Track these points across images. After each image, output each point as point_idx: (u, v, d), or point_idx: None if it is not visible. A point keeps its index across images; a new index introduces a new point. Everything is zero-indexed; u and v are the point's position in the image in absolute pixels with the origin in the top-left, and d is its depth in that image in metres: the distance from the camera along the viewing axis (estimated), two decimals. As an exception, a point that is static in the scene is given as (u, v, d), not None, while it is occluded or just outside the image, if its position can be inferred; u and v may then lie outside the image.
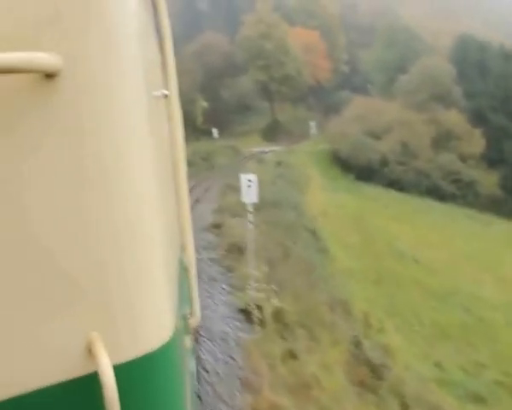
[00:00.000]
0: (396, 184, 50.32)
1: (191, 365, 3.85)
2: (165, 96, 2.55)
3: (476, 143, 51.81)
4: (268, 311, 9.92)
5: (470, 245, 35.13)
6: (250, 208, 9.87)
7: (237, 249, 13.84)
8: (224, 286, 11.25)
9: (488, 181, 50.57)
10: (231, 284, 11.65)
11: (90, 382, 1.27)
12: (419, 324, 18.54)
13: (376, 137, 53.24)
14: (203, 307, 10.07)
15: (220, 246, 14.39)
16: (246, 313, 9.92)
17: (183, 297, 2.66)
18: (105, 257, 1.32)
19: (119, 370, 1.27)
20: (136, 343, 1.40)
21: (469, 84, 55.40)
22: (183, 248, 2.90)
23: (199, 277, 11.94)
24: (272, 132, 69.12)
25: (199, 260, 12.97)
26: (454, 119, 53.01)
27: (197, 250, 14.21)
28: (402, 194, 49.00)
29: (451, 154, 51.56)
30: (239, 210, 20.06)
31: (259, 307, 9.83)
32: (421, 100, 55.65)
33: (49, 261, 1.24)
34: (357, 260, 25.82)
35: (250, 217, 10.03)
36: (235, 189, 26.04)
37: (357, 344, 11.24)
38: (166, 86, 2.51)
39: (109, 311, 1.35)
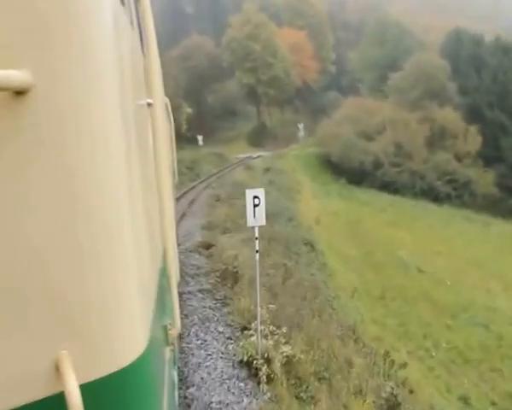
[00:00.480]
0: (390, 187, 48.64)
1: (172, 375, 3.70)
2: (149, 104, 2.63)
3: (472, 140, 50.20)
4: (278, 363, 7.97)
5: (472, 250, 33.53)
6: (257, 233, 7.92)
7: (232, 276, 11.88)
8: (220, 329, 9.27)
9: (484, 180, 48.99)
10: (228, 323, 9.67)
11: (59, 402, 1.22)
12: (435, 347, 16.73)
13: (368, 138, 51.55)
14: (195, 366, 8.18)
15: (212, 272, 12.40)
16: (249, 366, 7.95)
17: (164, 308, 2.76)
18: (73, 275, 1.29)
19: (88, 388, 1.27)
20: (106, 361, 1.37)
21: (464, 80, 53.81)
22: (164, 258, 2.85)
23: (189, 316, 10.13)
24: (259, 137, 67.33)
25: (187, 293, 11.05)
26: (449, 116, 51.38)
27: (184, 279, 12.25)
28: (396, 197, 47.32)
29: (447, 153, 49.99)
30: (231, 226, 18.15)
31: (268, 360, 7.88)
32: (415, 98, 53.95)
33: (16, 282, 1.21)
34: (359, 275, 24.04)
35: (256, 244, 8.08)
36: (225, 200, 24.27)
37: (378, 391, 9.40)
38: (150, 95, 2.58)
39: (78, 329, 1.32)
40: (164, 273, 2.83)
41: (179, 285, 8.98)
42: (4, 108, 1.16)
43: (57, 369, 1.26)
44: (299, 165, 50.56)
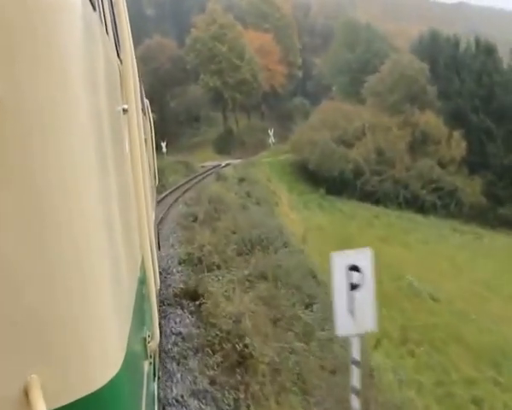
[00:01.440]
0: (371, 197, 44.90)
1: (152, 388, 3.50)
2: (125, 110, 2.60)
3: (456, 146, 46.87)
4: None
5: (477, 268, 29.97)
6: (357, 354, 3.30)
7: (241, 359, 7.36)
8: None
9: (471, 188, 45.76)
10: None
11: None
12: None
13: (347, 144, 47.67)
14: None
15: (207, 347, 7.83)
16: None
17: (143, 318, 2.65)
18: (43, 294, 1.24)
19: None
20: (79, 383, 1.32)
21: (444, 83, 50.53)
22: (142, 267, 2.82)
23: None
24: (226, 144, 62.92)
25: (172, 404, 6.48)
26: (431, 121, 48.01)
27: (164, 363, 7.49)
28: (380, 208, 43.58)
29: (430, 159, 46.54)
30: (218, 260, 13.68)
31: None
32: (394, 101, 50.40)
33: None
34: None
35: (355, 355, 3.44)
36: (204, 222, 19.59)
37: None
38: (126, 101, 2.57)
39: (48, 352, 1.26)
40: (142, 282, 2.76)
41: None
42: None
43: (26, 394, 1.19)
44: (273, 174, 46.26)
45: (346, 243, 30.51)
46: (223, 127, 66.99)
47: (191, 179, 38.50)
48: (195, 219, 19.67)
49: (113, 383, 1.40)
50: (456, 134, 47.23)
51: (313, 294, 12.56)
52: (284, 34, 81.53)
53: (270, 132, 60.01)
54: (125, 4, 2.46)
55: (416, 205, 44.52)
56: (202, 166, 48.41)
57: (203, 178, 39.80)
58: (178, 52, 66.05)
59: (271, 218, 26.22)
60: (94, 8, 1.90)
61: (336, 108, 53.36)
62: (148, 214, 2.70)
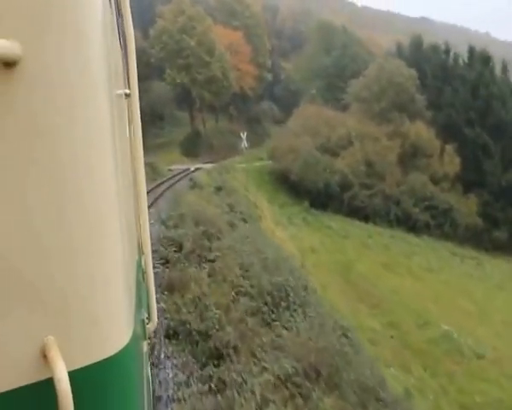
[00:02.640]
0: (360, 212, 40.32)
1: (147, 370, 3.61)
2: (127, 95, 2.58)
3: (450, 161, 42.97)
4: None
5: (497, 305, 25.67)
6: None
7: None
8: None
9: (466, 208, 41.80)
10: None
11: (45, 388, 1.20)
12: None
13: (332, 153, 43.00)
14: None
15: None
16: None
17: (141, 301, 2.64)
18: (62, 261, 1.27)
19: (74, 376, 1.23)
20: (93, 349, 1.34)
21: (434, 92, 46.69)
22: (140, 250, 2.90)
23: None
24: (193, 146, 57.25)
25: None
26: (422, 132, 43.91)
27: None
28: (369, 225, 39.08)
29: (422, 174, 42.43)
30: (235, 334, 8.51)
31: None
32: (381, 109, 46.03)
33: (4, 263, 1.18)
34: (405, 371, 15.04)
35: None
36: (192, 252, 14.21)
37: None
38: (128, 85, 2.52)
39: (66, 315, 1.29)
40: (139, 265, 2.80)
41: None
42: None
43: (44, 355, 1.21)
44: (250, 182, 41.02)
45: (347, 271, 25.83)
46: (190, 128, 61.20)
47: (160, 184, 32.85)
48: (179, 249, 14.11)
49: (124, 352, 1.42)
50: (449, 148, 43.36)
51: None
52: (254, 33, 76.64)
53: (243, 136, 54.85)
54: None
55: (408, 224, 40.29)
56: (170, 170, 42.76)
57: (174, 183, 34.19)
58: (142, 44, 59.71)
59: (267, 241, 21.23)
60: None
61: (317, 113, 48.55)
62: (145, 199, 2.54)
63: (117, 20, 2.55)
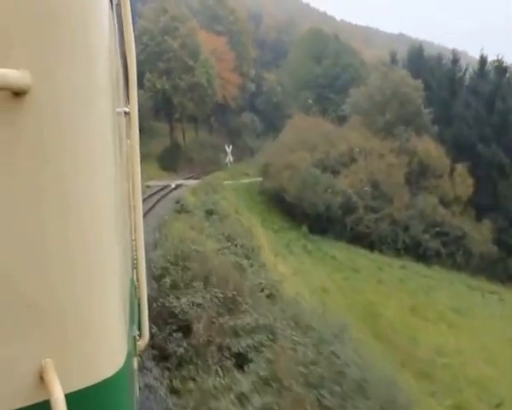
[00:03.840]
0: (364, 239, 35.58)
1: (136, 387, 3.55)
2: (126, 113, 2.67)
3: (461, 182, 38.66)
4: None
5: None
6: None
7: None
8: None
9: (481, 235, 37.39)
10: None
11: None
12: None
13: (332, 171, 38.25)
14: None
15: None
16: None
17: (132, 318, 2.63)
18: (62, 280, 1.27)
19: (71, 398, 1.25)
20: (91, 371, 1.35)
21: (439, 105, 42.49)
22: (133, 267, 2.90)
23: None
24: (172, 160, 51.99)
25: None
26: (430, 149, 39.52)
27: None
28: (375, 254, 34.36)
29: (431, 196, 38.02)
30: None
31: None
32: (385, 123, 41.55)
33: (5, 284, 1.19)
34: None
35: None
36: (185, 312, 9.17)
37: None
38: (127, 103, 2.58)
39: (64, 337, 1.29)
40: (132, 282, 2.75)
41: None
42: (2, 108, 1.13)
43: (41, 377, 1.22)
44: (240, 202, 35.97)
45: (372, 320, 21.02)
46: (168, 140, 55.87)
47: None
48: (185, 333, 8.92)
49: (119, 374, 1.42)
50: (461, 167, 39.10)
51: None
52: (238, 40, 72.08)
53: (228, 149, 49.95)
54: (129, 4, 2.32)
55: (417, 252, 35.70)
56: (148, 187, 37.41)
57: (154, 204, 28.93)
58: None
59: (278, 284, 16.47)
60: (111, 6, 1.90)
61: (314, 125, 43.79)
62: (141, 217, 2.47)
63: (118, 26, 2.40)
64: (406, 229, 36.21)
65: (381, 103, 42.18)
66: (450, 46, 53.90)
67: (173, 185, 39.26)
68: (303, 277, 25.75)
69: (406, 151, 39.69)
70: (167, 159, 51.42)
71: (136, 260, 2.70)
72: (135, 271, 2.89)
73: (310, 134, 41.66)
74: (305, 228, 34.59)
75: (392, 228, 36.04)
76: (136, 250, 2.56)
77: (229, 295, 9.92)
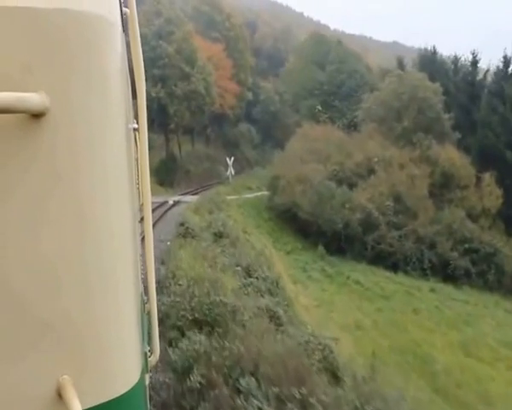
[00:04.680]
0: (386, 259, 31.90)
1: (148, 403, 3.35)
2: (135, 129, 2.69)
3: (489, 194, 35.20)
4: None
5: None
6: None
7: None
8: None
9: (510, 251, 33.83)
10: None
11: None
12: None
13: (348, 184, 34.60)
14: None
15: None
16: None
17: (143, 334, 2.58)
18: (77, 299, 1.29)
19: None
20: (107, 387, 1.36)
21: (460, 111, 39.16)
22: (143, 283, 2.87)
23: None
24: (168, 173, 48.45)
25: None
26: (454, 158, 36.04)
27: None
28: (399, 276, 30.62)
29: (458, 209, 34.46)
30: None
31: None
32: (403, 130, 38.02)
33: (22, 305, 1.20)
34: None
35: None
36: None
37: None
38: (137, 119, 2.54)
39: (81, 354, 1.30)
40: (142, 298, 2.76)
41: None
42: (21, 130, 1.16)
43: (59, 394, 1.23)
44: (246, 220, 32.23)
45: (426, 368, 17.26)
46: (164, 152, 52.13)
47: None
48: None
49: (134, 390, 1.44)
50: (488, 177, 35.64)
51: None
52: (235, 47, 68.68)
53: (229, 162, 46.25)
54: (137, 21, 2.25)
55: (445, 272, 32.04)
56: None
57: (154, 222, 25.12)
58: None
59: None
60: (123, 28, 1.91)
61: (323, 133, 40.31)
62: (151, 234, 2.44)
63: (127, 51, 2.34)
64: (432, 246, 32.56)
65: (398, 109, 38.71)
66: (446, 53, 51.14)
67: (171, 202, 35.60)
68: (328, 308, 22.11)
69: (428, 160, 36.22)
70: (163, 172, 47.79)
71: (144, 273, 2.57)
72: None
73: (320, 143, 38.17)
74: (321, 248, 30.91)
75: (417, 246, 32.37)
76: (145, 264, 2.45)
77: (297, 396, 6.15)
